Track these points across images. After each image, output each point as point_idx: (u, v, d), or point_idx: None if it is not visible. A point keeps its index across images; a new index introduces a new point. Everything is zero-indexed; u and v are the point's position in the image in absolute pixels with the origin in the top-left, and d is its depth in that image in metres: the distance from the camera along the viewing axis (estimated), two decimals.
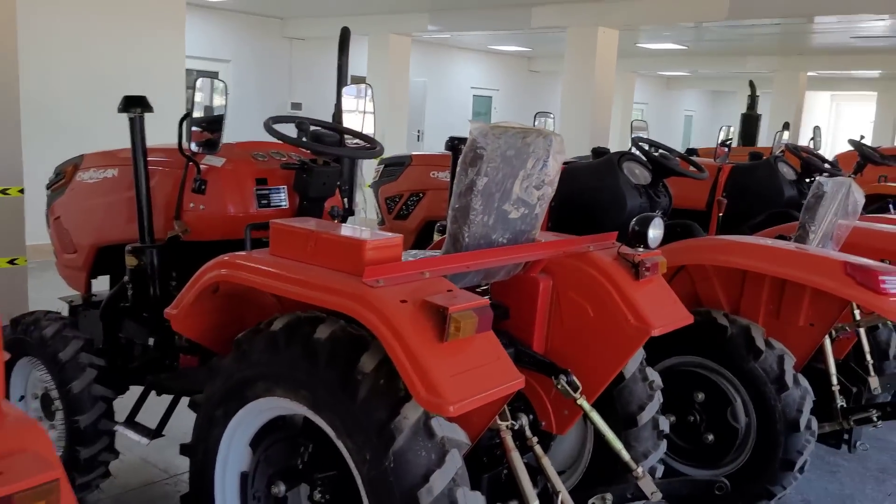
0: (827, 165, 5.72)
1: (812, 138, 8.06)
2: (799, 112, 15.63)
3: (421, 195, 5.19)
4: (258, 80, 13.36)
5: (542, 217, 2.68)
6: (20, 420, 1.53)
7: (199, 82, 2.89)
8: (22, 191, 5.02)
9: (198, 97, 2.88)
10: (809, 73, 15.91)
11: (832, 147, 21.58)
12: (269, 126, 2.85)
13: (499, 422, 2.36)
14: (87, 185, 3.52)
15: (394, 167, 5.36)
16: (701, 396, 3.43)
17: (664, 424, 2.91)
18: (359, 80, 4.03)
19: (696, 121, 25.34)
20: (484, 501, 2.08)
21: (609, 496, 2.67)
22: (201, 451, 2.47)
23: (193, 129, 2.89)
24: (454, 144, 4.26)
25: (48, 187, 3.80)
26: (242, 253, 2.37)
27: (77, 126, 8.04)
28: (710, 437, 3.40)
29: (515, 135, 2.42)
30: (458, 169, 2.39)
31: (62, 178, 3.68)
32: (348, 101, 3.47)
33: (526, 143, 2.46)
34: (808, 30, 12.01)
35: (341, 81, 3.51)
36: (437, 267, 2.24)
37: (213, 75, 13.08)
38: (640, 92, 20.75)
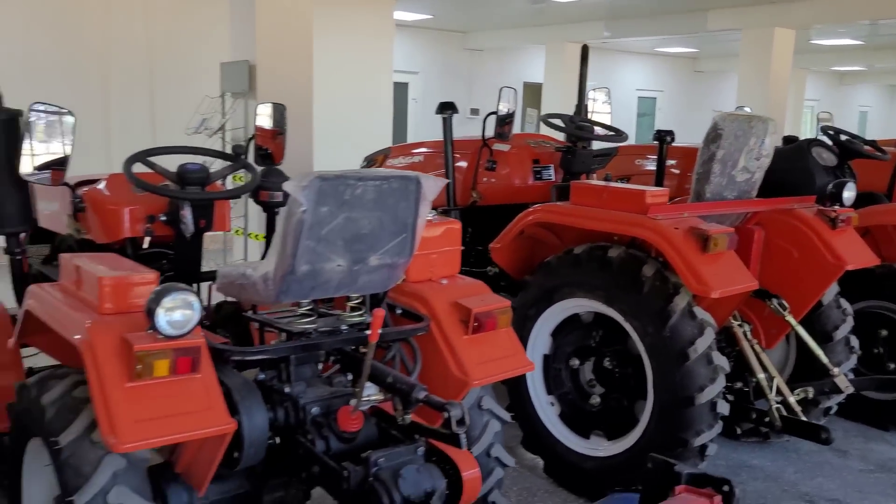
0: None
1: None
2: None
3: (627, 180, 6.19)
4: (442, 89, 14.82)
5: (759, 182, 3.63)
6: (469, 280, 2.73)
7: (502, 91, 4.09)
8: None
9: (500, 103, 4.07)
10: None
11: None
12: (545, 119, 3.99)
13: (732, 321, 3.35)
14: (398, 168, 4.83)
15: (602, 157, 6.39)
16: (884, 333, 4.19)
17: (854, 342, 3.75)
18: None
19: (871, 117, 24.35)
20: (727, 362, 3.07)
21: (810, 389, 3.57)
22: None
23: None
24: (661, 136, 5.24)
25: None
26: (553, 203, 3.51)
27: (319, 129, 9.65)
28: (893, 365, 4.15)
29: (743, 120, 3.40)
30: (702, 145, 3.40)
31: (374, 164, 5.03)
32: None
33: (750, 126, 3.42)
34: None
35: (583, 86, 4.62)
36: (690, 210, 3.26)
37: (404, 86, 14.73)
38: (812, 88, 20.42)
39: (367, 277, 2.26)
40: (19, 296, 3.05)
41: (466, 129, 12.78)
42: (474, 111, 15.28)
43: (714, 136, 3.35)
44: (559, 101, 12.43)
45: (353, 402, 2.20)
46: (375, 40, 10.65)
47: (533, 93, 15.78)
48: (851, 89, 23.31)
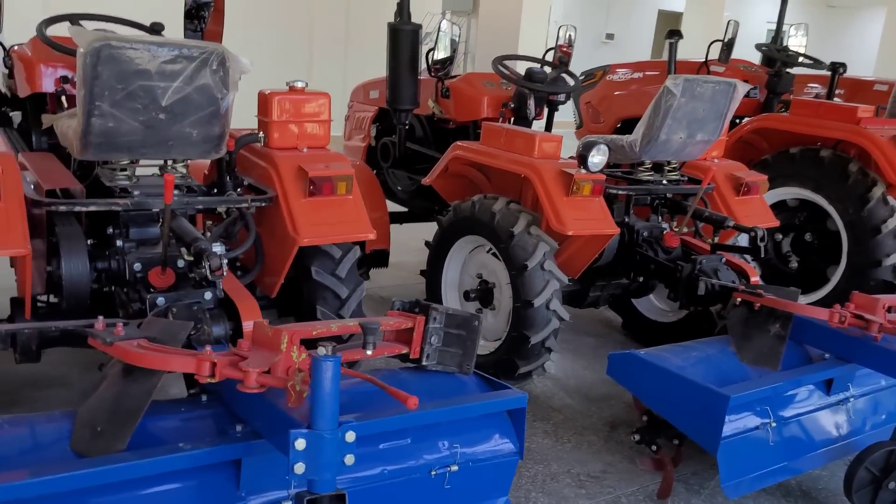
0: None
1: None
2: None
3: None
4: (580, 13, 15.49)
5: None
6: (729, 161, 3.86)
7: (729, 23, 5.08)
8: None
9: (726, 33, 5.08)
10: None
11: None
12: (759, 47, 4.99)
13: None
14: (616, 82, 5.92)
15: None
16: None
17: None
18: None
19: None
20: None
21: None
22: None
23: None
24: (834, 66, 6.11)
25: (581, 83, 6.26)
26: (772, 113, 4.57)
27: None
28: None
29: None
30: None
31: (592, 78, 6.12)
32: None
33: None
34: None
35: (781, 22, 5.56)
36: (889, 124, 4.27)
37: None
38: None
39: (690, 149, 3.42)
40: (409, 159, 4.36)
41: (601, 53, 13.56)
42: (609, 36, 15.93)
43: None
44: (700, 30, 12.99)
45: (675, 228, 3.41)
46: None
47: (666, 22, 16.25)
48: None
